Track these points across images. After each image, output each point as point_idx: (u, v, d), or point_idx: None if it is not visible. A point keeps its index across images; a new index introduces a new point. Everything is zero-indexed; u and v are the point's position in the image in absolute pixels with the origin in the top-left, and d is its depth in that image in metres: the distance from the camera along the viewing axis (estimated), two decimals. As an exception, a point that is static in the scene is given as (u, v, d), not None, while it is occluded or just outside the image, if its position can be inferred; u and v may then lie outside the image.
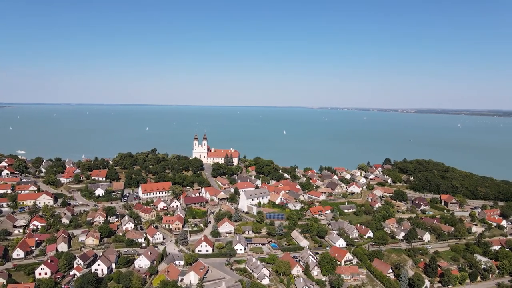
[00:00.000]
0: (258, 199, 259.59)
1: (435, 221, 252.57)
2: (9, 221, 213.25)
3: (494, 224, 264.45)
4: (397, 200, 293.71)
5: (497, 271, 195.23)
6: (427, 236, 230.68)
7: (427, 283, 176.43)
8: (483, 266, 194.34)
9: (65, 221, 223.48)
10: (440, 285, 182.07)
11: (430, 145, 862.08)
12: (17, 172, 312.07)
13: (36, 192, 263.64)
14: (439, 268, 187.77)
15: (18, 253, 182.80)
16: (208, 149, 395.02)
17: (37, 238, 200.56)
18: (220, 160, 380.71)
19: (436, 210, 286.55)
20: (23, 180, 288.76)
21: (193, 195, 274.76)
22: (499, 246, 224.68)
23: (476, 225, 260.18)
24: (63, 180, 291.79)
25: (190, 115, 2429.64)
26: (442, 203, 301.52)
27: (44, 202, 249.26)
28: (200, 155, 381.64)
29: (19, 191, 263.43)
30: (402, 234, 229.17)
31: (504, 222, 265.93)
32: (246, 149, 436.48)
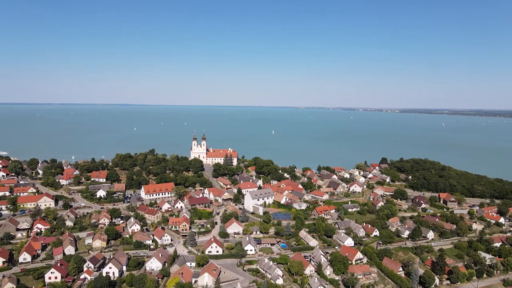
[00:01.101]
0: (263, 199, 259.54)
1: (437, 219, 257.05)
2: (12, 224, 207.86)
3: (493, 221, 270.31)
4: (398, 199, 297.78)
5: (502, 267, 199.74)
6: (430, 234, 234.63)
7: (436, 280, 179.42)
8: (488, 263, 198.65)
9: (69, 223, 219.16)
10: (448, 282, 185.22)
11: (417, 144, 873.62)
12: (13, 174, 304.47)
13: (36, 194, 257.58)
14: (446, 266, 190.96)
15: (24, 257, 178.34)
16: (207, 150, 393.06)
17: (42, 242, 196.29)
18: (219, 161, 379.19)
19: (436, 208, 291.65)
20: (20, 182, 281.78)
21: (196, 196, 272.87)
22: (500, 243, 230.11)
23: (475, 222, 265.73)
24: (63, 182, 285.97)
25: (177, 115, 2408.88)
26: (441, 201, 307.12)
27: (45, 205, 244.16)
28: (199, 156, 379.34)
29: (18, 194, 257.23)
30: (407, 232, 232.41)
31: (502, 219, 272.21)
32: (236, 149, 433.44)
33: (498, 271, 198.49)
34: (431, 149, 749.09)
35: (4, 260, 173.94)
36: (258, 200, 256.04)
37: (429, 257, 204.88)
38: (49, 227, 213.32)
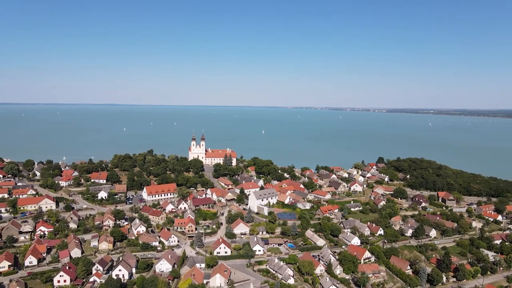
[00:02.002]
0: (267, 199, 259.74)
1: (438, 218, 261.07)
2: (14, 227, 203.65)
3: (491, 219, 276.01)
4: (399, 198, 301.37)
5: (505, 264, 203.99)
6: (433, 233, 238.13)
7: (443, 278, 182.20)
8: (492, 260, 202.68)
9: (72, 225, 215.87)
10: (454, 279, 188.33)
11: (407, 144, 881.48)
12: (9, 175, 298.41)
13: (37, 196, 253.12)
14: (452, 264, 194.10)
15: (30, 260, 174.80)
16: (205, 150, 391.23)
17: (47, 244, 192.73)
18: (219, 161, 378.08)
19: (435, 207, 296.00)
20: (18, 184, 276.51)
21: (199, 197, 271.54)
22: (500, 240, 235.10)
23: (474, 220, 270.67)
24: (62, 183, 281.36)
25: (165, 115, 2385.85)
26: (440, 200, 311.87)
27: (46, 207, 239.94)
28: (198, 156, 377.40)
29: (17, 196, 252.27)
30: (410, 231, 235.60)
31: (499, 217, 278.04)
32: (229, 148, 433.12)
33: (501, 268, 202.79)
34: (422, 149, 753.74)
35: (10, 263, 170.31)
36: (262, 200, 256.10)
37: (434, 255, 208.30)
38: (52, 229, 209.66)
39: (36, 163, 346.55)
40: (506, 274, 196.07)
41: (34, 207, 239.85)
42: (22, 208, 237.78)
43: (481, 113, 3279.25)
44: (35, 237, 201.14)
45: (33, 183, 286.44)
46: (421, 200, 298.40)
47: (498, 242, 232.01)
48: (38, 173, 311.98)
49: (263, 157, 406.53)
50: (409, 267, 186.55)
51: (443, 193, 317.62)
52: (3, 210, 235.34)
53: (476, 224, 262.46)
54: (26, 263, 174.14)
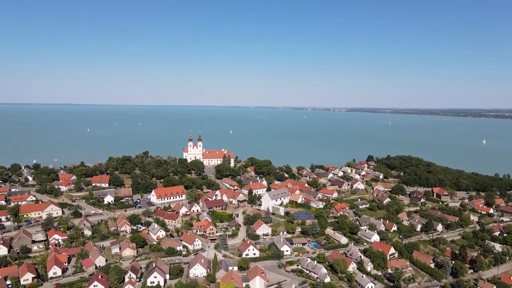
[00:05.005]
0: (280, 199, 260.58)
1: (439, 213, 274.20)
2: (27, 236, 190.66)
3: (484, 212, 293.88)
4: (399, 195, 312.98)
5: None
6: (439, 227, 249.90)
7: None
8: (500, 250, 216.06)
9: (87, 232, 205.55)
10: (471, 271, 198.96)
11: (374, 142, 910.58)
12: (0, 181, 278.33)
13: (40, 202, 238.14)
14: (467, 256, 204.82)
15: (55, 271, 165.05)
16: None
17: (64, 253, 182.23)
18: (216, 161, 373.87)
19: (431, 202, 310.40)
20: (14, 190, 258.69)
21: (209, 199, 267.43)
22: (499, 232, 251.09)
23: (471, 214, 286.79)
24: (62, 188, 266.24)
25: (128, 115, 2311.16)
26: (435, 196, 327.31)
27: (51, 213, 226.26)
28: (195, 157, 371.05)
29: (17, 202, 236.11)
30: (419, 226, 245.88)
31: (491, 210, 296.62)
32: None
33: (507, 258, 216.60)
34: (393, 146, 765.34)
35: (34, 276, 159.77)
36: (276, 200, 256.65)
37: (447, 249, 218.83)
38: (66, 237, 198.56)
39: (23, 167, 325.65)
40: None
41: (38, 214, 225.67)
42: (25, 216, 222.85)
43: (433, 112, 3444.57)
44: (50, 246, 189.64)
45: (28, 188, 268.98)
46: (419, 196, 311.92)
47: (497, 233, 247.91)
48: (30, 178, 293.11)
49: (242, 157, 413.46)
50: (432, 261, 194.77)
51: (437, 188, 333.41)
52: (3, 218, 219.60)
53: (473, 218, 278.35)
54: (50, 274, 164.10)
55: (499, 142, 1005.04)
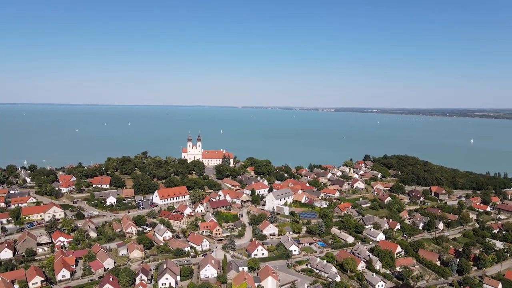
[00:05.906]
0: (284, 199, 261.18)
1: (439, 211, 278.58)
2: (31, 239, 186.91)
3: (481, 210, 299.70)
4: (398, 194, 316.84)
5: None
6: (441, 225, 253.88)
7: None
8: (501, 248, 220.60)
9: (92, 234, 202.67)
10: (475, 268, 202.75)
11: (365, 141, 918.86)
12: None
13: (42, 204, 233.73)
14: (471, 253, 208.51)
15: (63, 274, 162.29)
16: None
17: (71, 255, 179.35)
18: (215, 162, 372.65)
19: (430, 201, 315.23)
20: (13, 192, 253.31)
21: (213, 199, 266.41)
22: (497, 230, 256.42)
23: (470, 212, 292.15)
24: (63, 190, 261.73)
25: (116, 115, 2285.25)
26: (433, 194, 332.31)
27: (54, 215, 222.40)
28: (194, 157, 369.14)
29: (17, 204, 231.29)
30: (421, 224, 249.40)
31: (488, 208, 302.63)
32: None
33: (509, 255, 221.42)
34: (384, 146, 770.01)
35: (42, 279, 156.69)
36: (280, 200, 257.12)
37: (450, 246, 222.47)
38: (72, 239, 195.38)
39: (19, 168, 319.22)
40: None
41: (41, 216, 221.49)
42: (27, 218, 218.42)
43: (419, 112, 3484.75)
44: (55, 249, 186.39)
45: (27, 190, 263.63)
46: (418, 195, 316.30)
47: (496, 231, 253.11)
48: (28, 179, 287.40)
49: (238, 157, 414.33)
50: (437, 259, 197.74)
51: (435, 187, 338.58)
52: (4, 221, 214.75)
53: (472, 216, 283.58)
54: (59, 277, 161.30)
55: (486, 141, 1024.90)
